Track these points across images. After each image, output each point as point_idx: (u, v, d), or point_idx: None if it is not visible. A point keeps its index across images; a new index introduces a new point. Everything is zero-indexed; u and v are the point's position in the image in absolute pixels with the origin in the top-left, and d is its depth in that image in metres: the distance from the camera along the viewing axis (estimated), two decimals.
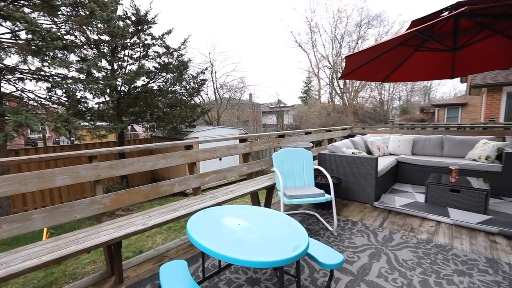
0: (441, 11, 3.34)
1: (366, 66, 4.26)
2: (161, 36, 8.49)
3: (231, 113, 16.15)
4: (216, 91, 17.47)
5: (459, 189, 3.31)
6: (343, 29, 22.67)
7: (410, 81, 5.79)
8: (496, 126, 5.30)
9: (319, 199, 2.80)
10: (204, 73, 10.47)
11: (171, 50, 8.81)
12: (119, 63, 7.96)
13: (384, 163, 4.17)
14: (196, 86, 10.17)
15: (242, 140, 3.81)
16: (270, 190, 3.62)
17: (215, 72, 17.66)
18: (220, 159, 8.10)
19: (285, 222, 1.87)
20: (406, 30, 3.53)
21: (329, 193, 2.87)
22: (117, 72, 7.92)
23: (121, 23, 7.41)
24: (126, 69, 8.16)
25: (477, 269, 2.15)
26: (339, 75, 22.80)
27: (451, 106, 18.15)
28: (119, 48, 7.69)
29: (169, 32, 8.60)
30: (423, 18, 3.42)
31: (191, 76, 10.18)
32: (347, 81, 22.28)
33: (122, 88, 7.95)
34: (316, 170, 3.37)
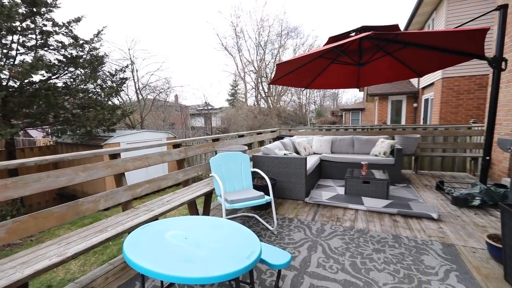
0: (350, 32, 3.94)
1: (293, 74, 4.66)
2: (66, 24, 7.15)
3: (156, 115, 14.95)
4: (138, 91, 15.88)
5: (369, 181, 3.97)
6: (266, 37, 24.11)
7: (328, 88, 6.70)
8: (387, 128, 6.61)
9: (260, 201, 2.89)
10: (124, 71, 9.36)
11: (81, 41, 7.53)
12: (3, 50, 6.29)
13: (311, 162, 4.63)
14: (115, 85, 8.99)
15: (176, 146, 3.58)
16: (209, 196, 3.52)
17: (137, 71, 16.07)
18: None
19: (234, 229, 1.85)
20: (324, 45, 4.03)
21: (268, 194, 3.00)
22: (1, 63, 6.25)
23: (5, 0, 5.87)
24: (15, 59, 6.52)
25: (387, 245, 2.63)
26: (263, 79, 24.12)
27: (354, 110, 21.60)
28: (3, 32, 6.07)
29: (78, 20, 7.34)
30: (337, 36, 3.96)
31: (108, 74, 8.93)
32: (271, 85, 23.82)
33: (11, 83, 6.32)
34: (252, 172, 3.47)
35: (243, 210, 3.74)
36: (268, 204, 3.62)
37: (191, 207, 3.48)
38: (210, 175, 3.16)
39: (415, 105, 12.04)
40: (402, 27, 11.38)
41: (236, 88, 28.82)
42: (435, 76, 9.06)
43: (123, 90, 11.99)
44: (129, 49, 15.82)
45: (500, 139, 3.14)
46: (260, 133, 6.37)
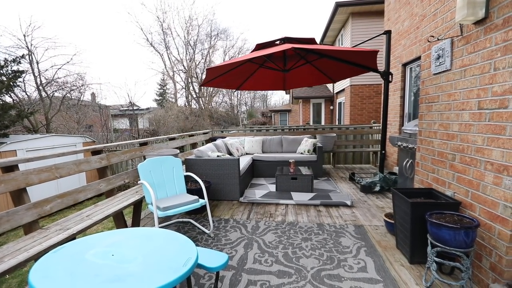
0: (275, 40, 4.25)
1: (224, 76, 4.72)
2: None
3: (67, 116, 12.68)
4: (41, 87, 13.14)
5: (296, 177, 4.37)
6: (195, 36, 23.53)
7: (258, 90, 7.07)
8: (310, 128, 7.39)
9: (195, 205, 2.84)
10: (18, 62, 7.64)
11: None
12: None
13: (243, 162, 4.79)
14: (5, 79, 7.26)
15: (95, 152, 3.17)
16: (138, 205, 3.25)
17: (38, 63, 13.30)
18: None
19: (168, 237, 1.78)
20: (252, 51, 4.25)
21: (203, 197, 2.98)
22: None
23: None
24: None
25: (313, 233, 2.96)
26: (194, 80, 23.47)
27: (282, 111, 23.16)
28: None
29: None
30: (264, 43, 4.22)
31: None
32: (203, 86, 23.39)
33: None
34: (185, 176, 3.37)
35: (177, 216, 3.59)
36: (203, 208, 3.57)
37: (118, 220, 3.14)
38: (139, 182, 2.92)
39: (331, 107, 13.80)
40: (318, 39, 12.86)
41: (164, 88, 27.16)
42: (345, 83, 10.60)
43: (18, 85, 9.80)
44: (24, 36, 12.94)
45: (390, 137, 3.92)
46: (193, 135, 6.21)
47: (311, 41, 4.06)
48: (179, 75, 24.79)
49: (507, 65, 1.70)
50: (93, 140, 9.10)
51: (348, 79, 9.99)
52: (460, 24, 2.11)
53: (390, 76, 4.07)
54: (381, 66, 4.22)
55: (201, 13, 38.20)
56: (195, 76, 24.14)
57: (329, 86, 14.03)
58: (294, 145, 5.99)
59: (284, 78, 5.81)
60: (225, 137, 6.55)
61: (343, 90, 11.40)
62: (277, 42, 4.31)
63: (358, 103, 9.92)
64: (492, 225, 1.83)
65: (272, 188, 4.66)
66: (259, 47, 4.25)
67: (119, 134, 13.67)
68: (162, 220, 3.45)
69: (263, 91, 39.52)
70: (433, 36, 2.50)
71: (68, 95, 13.49)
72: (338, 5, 9.38)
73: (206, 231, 3.08)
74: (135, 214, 3.29)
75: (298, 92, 14.83)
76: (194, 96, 24.76)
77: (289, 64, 4.90)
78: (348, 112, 10.22)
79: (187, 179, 3.72)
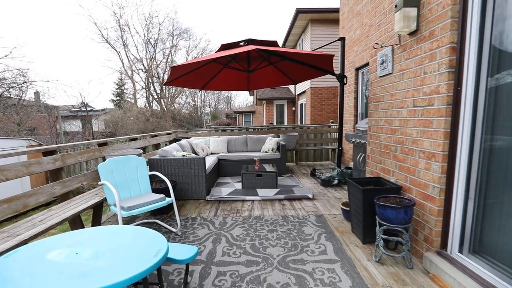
0: (239, 41, 4.38)
1: (188, 76, 4.70)
2: None
3: (5, 117, 11.17)
4: None
5: (261, 174, 4.53)
6: (156, 34, 22.61)
7: (222, 90, 7.11)
8: (273, 128, 7.67)
9: (161, 204, 2.81)
10: None
11: None
12: None
13: (209, 162, 4.81)
14: None
15: (47, 153, 2.94)
16: (98, 208, 3.09)
17: None
18: None
19: (136, 232, 1.78)
20: (217, 51, 4.32)
21: (169, 196, 2.96)
22: None
23: None
24: None
25: (278, 225, 3.13)
26: (155, 80, 22.51)
27: (246, 112, 23.40)
28: None
29: None
30: (228, 44, 4.32)
31: None
32: (164, 86, 22.53)
33: None
34: (150, 177, 3.30)
35: (142, 217, 3.49)
36: (170, 207, 3.53)
37: (75, 224, 2.95)
38: (99, 183, 2.79)
39: (293, 108, 14.40)
40: (281, 41, 13.36)
41: (123, 88, 25.55)
42: (306, 85, 11.18)
43: None
44: None
45: (346, 134, 4.30)
46: (155, 135, 6.02)
47: (274, 43, 4.27)
48: (139, 74, 23.58)
49: (433, 70, 2.05)
50: (38, 143, 8.23)
51: (309, 81, 10.57)
52: (398, 34, 2.46)
53: (345, 79, 4.47)
54: (337, 70, 4.60)
55: (162, 11, 36.85)
56: (156, 76, 23.19)
57: (291, 88, 14.64)
58: (258, 144, 6.17)
59: (248, 79, 5.96)
60: (189, 138, 6.47)
61: (304, 92, 11.99)
62: (241, 43, 4.45)
63: (317, 104, 10.54)
64: (424, 204, 2.18)
65: (238, 186, 4.76)
66: (224, 47, 4.33)
67: (70, 137, 12.51)
68: (126, 221, 3.32)
69: (228, 93, 39.49)
70: (377, 44, 2.85)
71: (6, 93, 11.94)
72: (298, 12, 9.89)
73: (173, 229, 3.05)
74: (95, 218, 3.12)
75: (261, 94, 15.18)
76: (156, 96, 23.75)
77: (253, 65, 5.06)
78: (309, 112, 10.79)
79: (152, 179, 3.63)
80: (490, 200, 1.83)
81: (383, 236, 2.22)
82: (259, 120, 22.14)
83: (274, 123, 15.03)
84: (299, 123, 13.41)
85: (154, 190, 3.32)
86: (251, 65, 5.09)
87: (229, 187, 4.73)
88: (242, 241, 2.76)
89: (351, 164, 5.84)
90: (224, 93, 38.23)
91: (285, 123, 14.89)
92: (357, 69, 5.84)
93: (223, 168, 5.65)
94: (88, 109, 12.98)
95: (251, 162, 5.41)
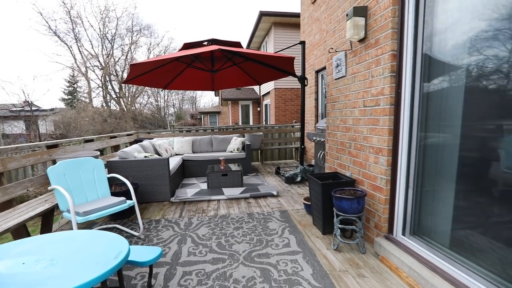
0: (203, 41, 4.36)
1: (149, 74, 4.54)
2: None
3: None
4: None
5: (227, 173, 4.56)
6: (113, 29, 21.20)
7: (186, 89, 6.97)
8: (239, 128, 7.74)
9: (122, 207, 2.69)
10: None
11: None
12: None
13: (173, 163, 4.70)
14: None
15: None
16: (48, 215, 2.84)
17: None
18: None
19: (93, 236, 1.70)
20: (179, 50, 4.25)
21: (131, 199, 2.84)
22: None
23: None
24: None
25: (244, 222, 3.20)
26: (113, 78, 21.09)
27: (212, 113, 23.13)
28: None
29: None
30: (191, 43, 4.28)
31: None
32: (124, 86, 21.22)
33: None
34: (109, 180, 3.14)
35: (100, 222, 3.29)
36: (131, 211, 3.39)
37: (19, 235, 2.67)
38: (49, 188, 2.57)
39: (258, 109, 14.64)
40: (245, 43, 13.48)
41: (75, 86, 23.41)
42: (270, 86, 11.46)
43: None
44: None
45: (308, 133, 4.53)
46: (114, 137, 5.68)
47: (237, 44, 4.33)
48: (94, 71, 21.84)
49: (378, 74, 2.29)
50: None
51: (273, 83, 10.85)
52: (350, 40, 2.69)
53: (305, 80, 4.71)
54: (298, 72, 4.83)
55: (120, 5, 34.59)
56: (114, 74, 21.72)
57: (256, 89, 14.86)
58: (224, 144, 6.18)
59: (212, 79, 5.94)
60: (152, 139, 6.23)
61: (268, 93, 12.27)
62: (205, 43, 4.43)
63: (281, 105, 10.88)
64: (374, 194, 2.42)
65: (204, 186, 4.72)
66: (187, 46, 4.28)
67: (11, 140, 11.12)
68: (82, 228, 3.09)
69: (192, 93, 38.57)
70: (332, 48, 3.08)
71: None
72: (262, 14, 10.10)
73: (135, 233, 2.94)
74: (45, 227, 2.86)
75: (227, 94, 15.16)
76: (114, 96, 22.24)
77: (217, 65, 5.07)
78: (273, 113, 11.08)
79: (111, 182, 3.45)
80: (425, 188, 2.12)
81: (340, 226, 2.41)
82: (225, 120, 22.05)
83: (240, 123, 15.12)
84: (264, 123, 13.68)
85: (114, 194, 3.15)
86: (215, 65, 5.09)
87: (194, 187, 4.67)
88: (208, 240, 2.77)
89: (313, 162, 6.16)
90: (189, 93, 37.28)
91: (251, 123, 15.07)
92: (317, 72, 6.18)
93: (188, 169, 5.55)
94: (34, 108, 11.68)
95: (217, 162, 5.40)
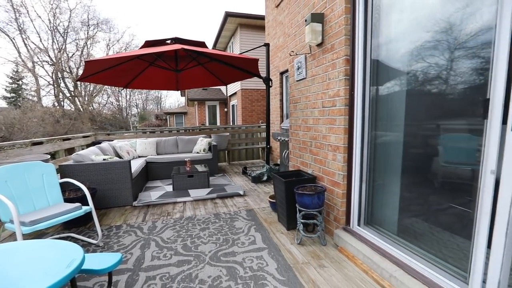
0: (166, 39, 4.25)
1: (108, 72, 4.30)
2: None
3: None
4: None
5: (192, 174, 4.49)
6: (66, 22, 19.43)
7: (149, 89, 6.68)
8: (206, 128, 7.64)
9: (76, 213, 2.51)
10: None
11: None
12: None
13: (136, 165, 4.49)
14: None
15: None
16: None
17: None
18: None
19: (41, 246, 1.58)
20: (141, 47, 4.09)
21: (87, 205, 2.67)
22: None
23: None
24: None
25: (210, 223, 3.19)
26: (67, 75, 19.35)
27: (178, 114, 22.45)
28: None
29: None
30: (154, 41, 4.14)
31: None
32: (80, 83, 19.58)
33: None
34: (63, 186, 2.91)
35: (52, 232, 3.02)
36: (88, 217, 3.17)
37: None
38: None
39: (225, 109, 14.58)
40: (211, 43, 13.32)
41: (20, 82, 20.97)
42: (237, 87, 11.50)
43: None
44: None
45: (273, 133, 4.66)
46: (68, 139, 5.24)
47: (202, 44, 4.29)
48: (43, 67, 19.80)
49: (335, 77, 2.46)
50: None
51: (239, 84, 10.90)
52: (309, 45, 2.84)
53: (270, 81, 4.83)
54: (264, 73, 4.93)
55: None
56: (68, 71, 19.94)
57: (223, 89, 14.79)
58: (189, 145, 6.07)
59: (177, 78, 5.80)
60: (112, 140, 5.87)
61: (235, 93, 12.30)
62: (168, 41, 4.31)
63: (248, 106, 10.98)
64: (333, 189, 2.59)
65: (169, 188, 4.59)
66: (148, 44, 4.13)
67: None
68: (29, 239, 2.82)
69: (157, 93, 37.02)
70: (293, 51, 3.22)
71: None
72: (227, 15, 10.09)
73: (93, 241, 2.76)
74: None
75: (193, 94, 14.85)
76: (68, 95, 20.40)
77: (181, 64, 4.96)
78: (240, 113, 11.14)
79: (65, 187, 3.20)
80: (376, 182, 2.33)
81: (302, 221, 2.53)
82: (192, 121, 21.57)
83: (207, 124, 14.92)
84: (231, 123, 13.67)
85: (68, 200, 2.93)
86: (179, 64, 4.98)
87: (159, 190, 4.51)
88: (173, 242, 2.71)
89: (279, 161, 6.33)
90: (153, 93, 35.72)
91: (218, 123, 14.95)
92: (282, 73, 6.37)
93: (152, 171, 5.34)
94: None
95: (183, 164, 5.29)
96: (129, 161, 3.88)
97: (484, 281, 1.44)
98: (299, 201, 2.52)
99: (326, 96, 2.61)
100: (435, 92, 1.82)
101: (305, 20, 2.64)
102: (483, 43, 1.45)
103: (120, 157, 5.06)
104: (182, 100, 30.26)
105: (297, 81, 3.22)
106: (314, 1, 2.75)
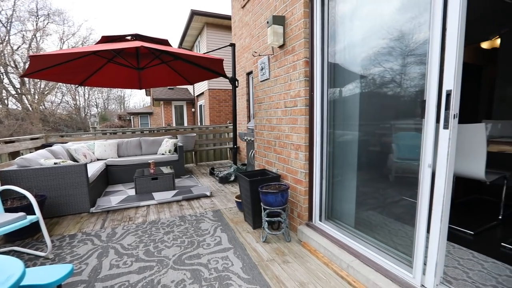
0: (126, 35, 4.05)
1: (59, 68, 3.96)
2: None
3: None
4: None
5: (157, 177, 4.32)
6: (9, 10, 17.41)
7: (108, 87, 6.25)
8: (172, 129, 7.40)
9: (19, 224, 2.28)
10: None
11: None
12: None
13: (94, 169, 4.20)
14: None
15: None
16: None
17: None
18: None
19: None
20: (97, 43, 3.83)
21: (34, 213, 2.43)
22: None
23: None
24: None
25: (175, 226, 3.10)
26: (10, 69, 17.35)
27: (143, 114, 21.42)
28: None
29: None
30: (112, 36, 3.92)
31: None
32: (29, 80, 17.68)
33: None
34: (4, 194, 2.61)
35: None
36: (36, 228, 2.88)
37: None
38: None
39: (193, 110, 14.26)
40: (177, 41, 12.92)
41: None
42: (204, 87, 11.32)
43: None
44: None
45: (239, 133, 4.67)
46: (12, 141, 4.71)
47: (165, 42, 4.15)
48: None
49: (295, 78, 2.54)
50: None
51: (207, 84, 10.73)
52: (272, 46, 2.90)
53: (236, 82, 4.83)
54: (230, 73, 4.92)
55: None
56: (13, 65, 17.88)
57: (190, 89, 14.45)
58: (154, 146, 5.83)
59: (139, 76, 5.53)
60: (66, 143, 5.42)
61: (202, 93, 12.09)
62: (128, 37, 4.10)
63: (216, 106, 10.87)
64: (296, 187, 2.68)
65: (132, 192, 4.37)
66: (106, 39, 3.89)
67: None
68: None
69: (120, 92, 34.88)
70: (256, 52, 3.27)
71: None
72: (193, 13, 9.88)
73: (41, 254, 2.52)
74: None
75: (158, 94, 14.28)
76: (13, 92, 18.30)
77: (143, 62, 4.75)
78: (208, 113, 10.98)
79: (6, 196, 2.88)
80: (335, 178, 2.46)
81: (267, 219, 2.58)
82: (158, 122, 20.74)
83: (174, 125, 14.46)
84: (198, 124, 13.41)
85: (11, 210, 2.65)
86: (140, 62, 4.76)
87: (120, 194, 4.27)
88: (134, 249, 2.59)
89: (246, 161, 6.37)
90: (116, 92, 33.58)
91: (185, 124, 14.57)
92: (248, 74, 6.41)
93: (113, 175, 5.03)
94: None
95: (147, 166, 5.06)
96: (85, 165, 3.61)
97: (425, 263, 1.61)
98: (263, 199, 2.56)
99: (288, 96, 2.69)
100: (386, 94, 1.98)
101: (267, 22, 2.69)
102: (425, 51, 1.61)
103: (75, 161, 4.69)
104: (148, 99, 28.94)
105: (261, 81, 3.27)
106: (276, 4, 2.82)
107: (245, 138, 4.42)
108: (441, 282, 1.62)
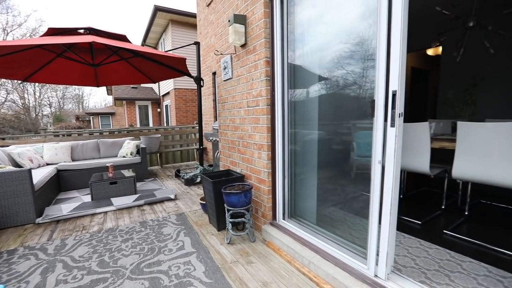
0: (78, 28, 3.73)
1: None
2: None
3: None
4: None
5: (116, 181, 4.04)
6: None
7: (59, 84, 5.67)
8: (135, 130, 7.01)
9: None
10: None
11: None
12: None
13: (42, 174, 3.80)
14: None
15: None
16: None
17: None
18: None
19: None
20: (43, 35, 3.48)
21: None
22: None
23: None
24: None
25: (135, 232, 2.92)
26: None
27: (104, 114, 20.05)
28: None
29: None
30: (61, 29, 3.59)
31: None
32: None
33: None
34: None
35: None
36: None
37: None
38: None
39: (158, 110, 13.68)
40: (141, 38, 12.28)
41: None
42: (170, 86, 10.92)
43: None
44: None
45: (205, 133, 4.57)
46: None
47: (122, 37, 3.91)
48: None
49: (257, 77, 2.54)
50: None
51: (172, 83, 10.36)
52: (234, 45, 2.87)
53: (202, 81, 4.72)
54: (195, 73, 4.79)
55: None
56: None
57: (155, 89, 13.84)
58: (114, 148, 5.47)
59: (96, 73, 5.14)
60: (7, 146, 4.83)
61: (168, 93, 11.66)
62: (81, 31, 3.79)
63: (182, 106, 10.55)
64: (260, 186, 2.68)
65: (87, 198, 4.03)
66: (53, 31, 3.55)
67: None
68: None
69: (78, 91, 32.23)
70: (217, 51, 3.22)
71: None
72: (157, 9, 9.47)
73: None
74: None
75: (120, 93, 13.47)
76: None
77: (99, 58, 4.42)
78: (174, 114, 10.62)
79: None
80: (297, 177, 2.50)
81: (231, 220, 2.54)
82: (121, 122, 19.57)
83: (138, 125, 13.74)
84: (165, 125, 12.91)
85: None
86: (95, 58, 4.42)
87: (74, 201, 3.91)
88: (87, 260, 2.38)
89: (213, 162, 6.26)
90: (73, 90, 30.95)
91: (151, 125, 13.93)
92: (214, 73, 6.31)
93: (66, 181, 4.61)
94: None
95: (105, 170, 4.72)
96: (29, 170, 3.25)
97: (377, 254, 1.70)
98: (226, 200, 2.52)
99: (251, 96, 2.68)
100: (343, 94, 2.06)
101: (228, 21, 2.66)
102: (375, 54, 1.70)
103: (19, 166, 4.20)
104: (110, 99, 27.15)
105: (224, 81, 3.22)
106: (237, 3, 2.79)
107: (210, 138, 4.33)
108: (392, 271, 1.73)
